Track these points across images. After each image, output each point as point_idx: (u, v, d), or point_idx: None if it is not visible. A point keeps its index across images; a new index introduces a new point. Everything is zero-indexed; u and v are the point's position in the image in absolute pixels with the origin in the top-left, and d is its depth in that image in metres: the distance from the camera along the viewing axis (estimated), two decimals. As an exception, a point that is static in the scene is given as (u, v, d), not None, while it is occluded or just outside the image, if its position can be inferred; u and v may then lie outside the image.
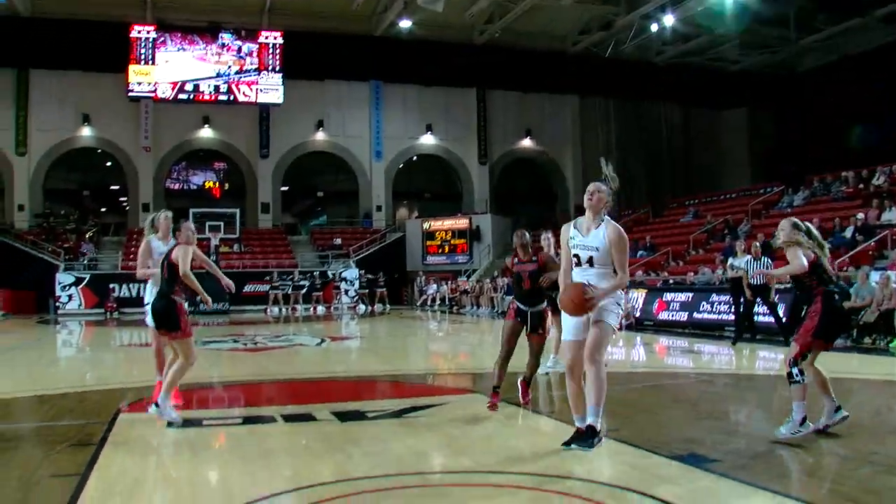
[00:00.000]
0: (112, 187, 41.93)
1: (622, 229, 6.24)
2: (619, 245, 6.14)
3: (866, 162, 28.29)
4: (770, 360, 13.90)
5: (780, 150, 41.25)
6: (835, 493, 5.10)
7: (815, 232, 7.16)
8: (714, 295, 19.84)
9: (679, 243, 30.43)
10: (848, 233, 22.61)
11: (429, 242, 39.68)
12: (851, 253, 21.12)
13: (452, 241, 39.27)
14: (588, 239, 6.27)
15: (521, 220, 41.82)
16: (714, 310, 19.62)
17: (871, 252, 21.13)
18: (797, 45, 37.64)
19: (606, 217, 6.30)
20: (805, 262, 6.77)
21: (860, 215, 23.03)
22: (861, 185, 27.23)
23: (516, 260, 8.36)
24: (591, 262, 6.17)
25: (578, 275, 6.24)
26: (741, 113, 44.39)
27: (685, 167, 45.77)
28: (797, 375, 6.58)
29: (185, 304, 7.94)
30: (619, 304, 6.25)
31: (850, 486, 5.32)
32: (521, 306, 8.17)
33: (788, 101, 40.72)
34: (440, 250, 39.49)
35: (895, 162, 27.03)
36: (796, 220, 7.21)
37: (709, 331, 19.10)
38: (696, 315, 19.96)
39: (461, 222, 39.40)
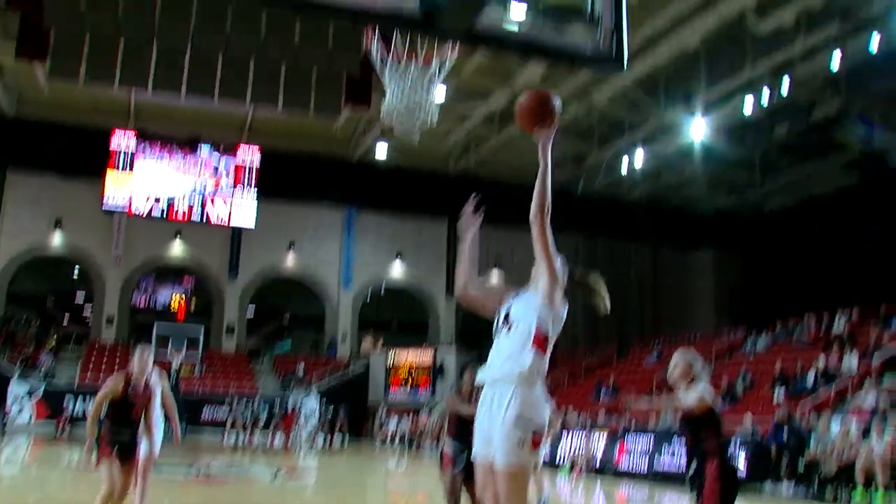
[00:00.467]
0: (78, 296, 41.48)
1: None
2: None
3: (828, 305, 28.57)
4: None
5: (745, 291, 41.73)
6: None
7: None
8: (676, 439, 19.69)
9: (643, 385, 30.37)
10: (809, 378, 22.71)
11: (392, 376, 39.25)
12: (812, 399, 21.18)
13: (416, 376, 38.81)
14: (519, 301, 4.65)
15: (484, 356, 41.72)
16: (676, 455, 19.46)
17: (832, 399, 21.18)
18: (762, 187, 38.57)
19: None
20: (711, 400, 5.90)
21: (821, 361, 23.18)
22: (822, 330, 27.52)
23: (460, 399, 7.81)
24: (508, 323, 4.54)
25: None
26: (709, 254, 44.99)
27: (653, 307, 46.12)
28: None
29: (110, 433, 8.04)
30: (530, 425, 4.25)
31: None
32: (459, 444, 7.51)
33: (754, 243, 41.42)
34: (403, 384, 38.98)
35: (855, 305, 27.38)
36: (695, 353, 6.37)
37: (670, 477, 18.89)
38: (657, 460, 19.78)
39: (425, 356, 38.97)
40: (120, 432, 8.01)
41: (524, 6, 3.67)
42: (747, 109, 28.91)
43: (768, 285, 38.71)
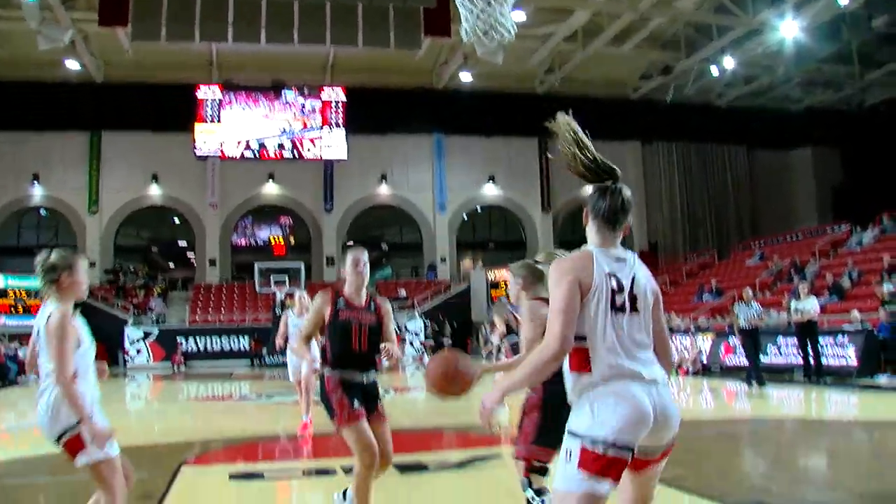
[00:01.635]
0: (180, 243, 42.71)
1: None
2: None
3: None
4: (840, 403, 13.55)
5: (848, 187, 40.61)
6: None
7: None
8: (781, 338, 19.49)
9: (745, 286, 29.92)
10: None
11: (493, 292, 39.40)
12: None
13: (518, 290, 38.70)
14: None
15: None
16: (781, 353, 19.27)
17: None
18: (862, 80, 37.15)
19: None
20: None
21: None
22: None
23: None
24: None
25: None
26: (807, 152, 43.79)
27: (751, 208, 45.19)
28: (534, 500, 4.64)
29: (336, 381, 5.43)
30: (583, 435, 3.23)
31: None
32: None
33: (855, 138, 40.09)
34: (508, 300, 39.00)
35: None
36: (532, 262, 5.49)
37: (777, 374, 18.71)
38: (763, 359, 19.57)
39: (525, 271, 39.04)
40: (347, 374, 5.50)
41: None
42: (842, 1, 27.68)
43: (871, 179, 37.41)
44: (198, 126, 38.40)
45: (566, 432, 3.28)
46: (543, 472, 4.70)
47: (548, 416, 4.67)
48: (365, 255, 5.75)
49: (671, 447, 3.36)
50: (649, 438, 3.23)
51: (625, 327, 3.27)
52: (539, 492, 4.63)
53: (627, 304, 3.30)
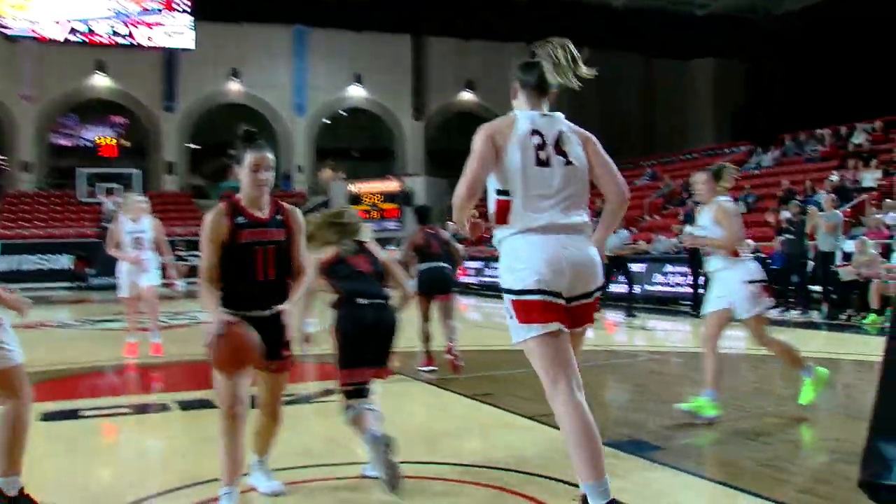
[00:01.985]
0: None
1: None
2: None
3: (845, 118, 28.56)
4: (725, 336, 14.08)
5: (750, 104, 41.60)
6: (786, 484, 5.14)
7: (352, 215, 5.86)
8: (669, 265, 20.09)
9: (633, 208, 30.53)
10: (821, 197, 22.85)
11: (356, 207, 39.00)
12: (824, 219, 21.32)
13: (382, 206, 38.64)
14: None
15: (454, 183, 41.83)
16: (669, 281, 19.88)
17: (846, 218, 21.30)
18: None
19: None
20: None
21: (834, 177, 23.26)
22: (838, 144, 27.59)
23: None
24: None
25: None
26: (708, 63, 44.61)
27: (646, 125, 46.03)
28: (349, 410, 5.42)
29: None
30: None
31: (803, 475, 5.43)
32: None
33: (761, 50, 40.84)
34: (368, 216, 38.88)
35: (877, 118, 27.38)
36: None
37: (663, 304, 19.38)
38: (648, 287, 20.17)
39: (392, 185, 38.97)
40: (245, 313, 4.57)
41: None
42: None
43: (777, 97, 38.42)
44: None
45: (502, 291, 4.01)
46: (361, 393, 5.49)
47: (341, 341, 5.53)
48: (270, 156, 4.86)
49: (595, 301, 4.18)
50: (572, 283, 3.96)
51: (550, 181, 3.98)
52: (350, 406, 5.45)
53: (553, 159, 3.99)
